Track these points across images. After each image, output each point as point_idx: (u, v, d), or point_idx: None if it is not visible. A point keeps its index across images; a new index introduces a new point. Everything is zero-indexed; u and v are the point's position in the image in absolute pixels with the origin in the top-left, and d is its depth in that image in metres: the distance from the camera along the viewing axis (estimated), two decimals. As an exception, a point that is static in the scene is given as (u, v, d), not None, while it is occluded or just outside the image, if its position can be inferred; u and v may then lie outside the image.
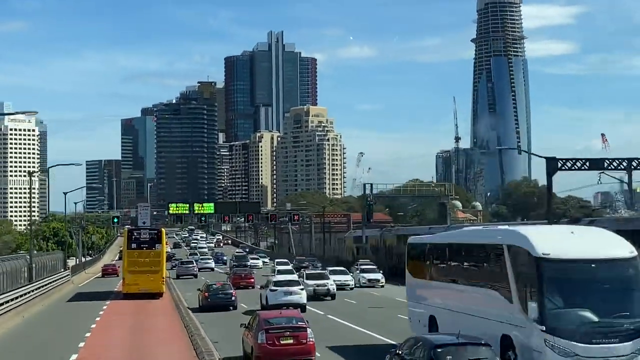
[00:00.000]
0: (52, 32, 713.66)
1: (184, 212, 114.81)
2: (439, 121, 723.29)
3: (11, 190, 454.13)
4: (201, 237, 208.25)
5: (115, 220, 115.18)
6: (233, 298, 48.95)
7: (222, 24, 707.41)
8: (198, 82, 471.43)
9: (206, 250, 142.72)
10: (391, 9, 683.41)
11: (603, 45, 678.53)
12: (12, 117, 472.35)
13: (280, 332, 27.53)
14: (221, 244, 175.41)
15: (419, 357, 21.13)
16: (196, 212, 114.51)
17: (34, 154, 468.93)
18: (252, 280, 69.31)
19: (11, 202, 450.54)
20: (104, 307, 53.52)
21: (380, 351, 27.83)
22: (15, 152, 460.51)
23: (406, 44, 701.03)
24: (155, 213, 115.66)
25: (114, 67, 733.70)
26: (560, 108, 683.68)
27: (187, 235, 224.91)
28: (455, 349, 20.76)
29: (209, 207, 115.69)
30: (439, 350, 20.63)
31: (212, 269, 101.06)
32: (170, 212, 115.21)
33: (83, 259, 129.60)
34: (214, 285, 50.62)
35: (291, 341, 27.41)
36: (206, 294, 49.31)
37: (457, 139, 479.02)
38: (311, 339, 27.64)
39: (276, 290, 47.61)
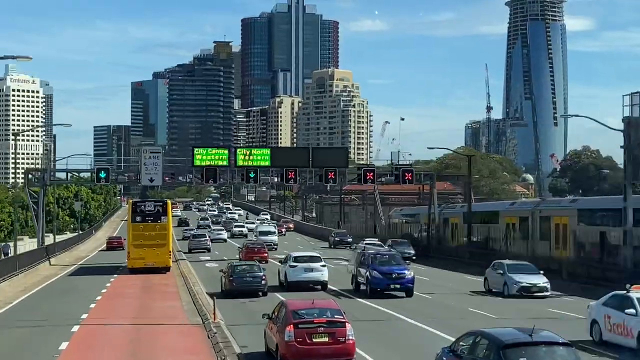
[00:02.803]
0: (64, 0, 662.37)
1: (220, 163, 63.99)
2: (453, 96, 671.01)
3: (13, 154, 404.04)
4: (239, 214, 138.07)
5: (103, 174, 63.58)
6: (263, 282, 38.81)
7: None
8: (214, 42, 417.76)
9: (275, 238, 77.79)
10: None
11: (619, 22, 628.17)
12: (15, 77, 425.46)
13: (313, 327, 20.87)
14: (283, 230, 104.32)
15: (481, 357, 16.59)
16: (241, 164, 63.76)
17: (38, 117, 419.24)
18: (266, 254, 61.06)
19: (12, 166, 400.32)
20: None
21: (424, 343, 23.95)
22: (18, 114, 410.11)
23: (420, 18, 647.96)
24: (167, 178, 64.09)
25: (125, 37, 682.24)
26: (571, 84, 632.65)
27: (215, 211, 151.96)
28: (528, 349, 16.23)
29: (261, 156, 64.55)
30: (508, 350, 16.06)
31: (225, 240, 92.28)
32: (197, 163, 64.38)
33: (50, 238, 79.10)
34: (240, 266, 40.09)
35: (326, 339, 20.83)
36: (231, 277, 38.72)
37: (489, 108, 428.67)
38: (351, 337, 21.03)
39: (296, 266, 41.86)
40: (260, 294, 38.71)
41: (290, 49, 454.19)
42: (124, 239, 70.54)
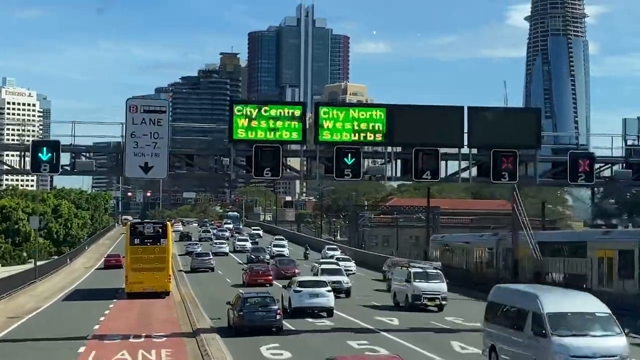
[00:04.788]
0: (67, 20, 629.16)
1: (286, 136, 30.45)
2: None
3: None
4: (287, 249, 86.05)
5: (45, 155, 29.54)
6: (278, 316, 32.29)
7: (236, 17, 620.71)
8: (220, 53, 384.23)
9: None
10: (405, 6, 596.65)
11: (620, 47, 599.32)
12: (11, 89, 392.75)
13: None
14: None
15: None
16: (328, 139, 30.32)
17: (34, 131, 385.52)
18: (270, 277, 55.29)
19: (7, 182, 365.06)
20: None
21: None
22: (14, 128, 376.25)
23: (421, 42, 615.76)
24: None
25: (128, 57, 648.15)
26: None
27: (246, 240, 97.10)
28: None
29: (370, 123, 30.83)
30: None
31: (227, 254, 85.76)
32: (239, 136, 30.52)
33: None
34: (250, 299, 32.77)
35: None
36: (240, 311, 31.89)
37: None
38: None
39: (301, 291, 37.86)
40: (274, 329, 31.80)
41: (298, 64, 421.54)
42: (123, 257, 64.45)
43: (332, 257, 72.01)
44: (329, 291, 38.30)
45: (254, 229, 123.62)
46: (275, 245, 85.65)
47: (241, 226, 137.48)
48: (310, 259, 76.17)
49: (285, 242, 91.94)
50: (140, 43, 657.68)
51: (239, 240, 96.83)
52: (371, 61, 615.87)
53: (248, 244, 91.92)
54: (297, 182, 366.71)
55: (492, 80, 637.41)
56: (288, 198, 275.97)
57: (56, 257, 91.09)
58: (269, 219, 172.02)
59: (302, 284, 38.68)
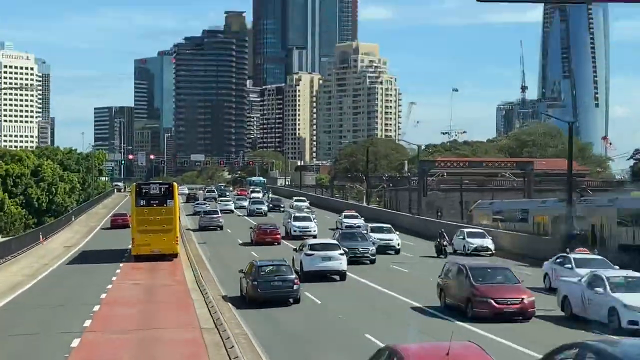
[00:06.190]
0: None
1: None
2: (462, 84, 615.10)
3: (5, 137, 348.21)
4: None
5: None
6: (295, 286, 29.62)
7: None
8: (225, 12, 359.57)
9: None
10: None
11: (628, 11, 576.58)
12: (7, 53, 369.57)
13: None
14: None
15: None
16: None
17: (32, 96, 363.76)
18: (278, 236, 53.85)
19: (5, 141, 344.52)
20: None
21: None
22: (11, 93, 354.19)
23: (424, 7, 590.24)
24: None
25: (130, 25, 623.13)
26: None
27: (308, 218, 60.00)
28: None
29: None
30: None
31: (232, 211, 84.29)
32: None
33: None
34: (265, 267, 30.23)
35: None
36: (255, 281, 29.32)
37: (524, 88, 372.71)
38: None
39: (312, 254, 36.33)
40: (291, 300, 29.49)
41: (305, 25, 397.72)
42: (129, 215, 57.43)
43: (477, 249, 47.62)
44: (341, 254, 36.53)
45: (296, 200, 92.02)
46: (374, 230, 50.48)
47: (272, 195, 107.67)
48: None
49: (377, 224, 54.66)
50: (141, 10, 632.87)
51: (297, 219, 59.88)
52: (372, 28, 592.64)
53: (313, 226, 58.40)
54: (307, 144, 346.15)
55: (498, 45, 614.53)
56: (298, 162, 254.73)
57: (32, 228, 69.88)
58: (284, 184, 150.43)
59: (313, 247, 37.20)
